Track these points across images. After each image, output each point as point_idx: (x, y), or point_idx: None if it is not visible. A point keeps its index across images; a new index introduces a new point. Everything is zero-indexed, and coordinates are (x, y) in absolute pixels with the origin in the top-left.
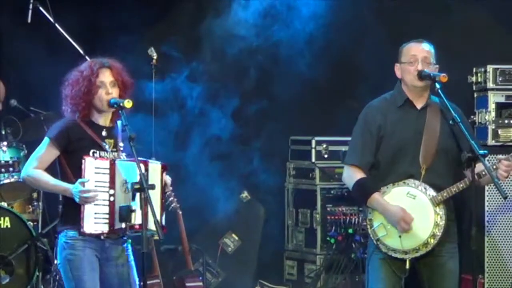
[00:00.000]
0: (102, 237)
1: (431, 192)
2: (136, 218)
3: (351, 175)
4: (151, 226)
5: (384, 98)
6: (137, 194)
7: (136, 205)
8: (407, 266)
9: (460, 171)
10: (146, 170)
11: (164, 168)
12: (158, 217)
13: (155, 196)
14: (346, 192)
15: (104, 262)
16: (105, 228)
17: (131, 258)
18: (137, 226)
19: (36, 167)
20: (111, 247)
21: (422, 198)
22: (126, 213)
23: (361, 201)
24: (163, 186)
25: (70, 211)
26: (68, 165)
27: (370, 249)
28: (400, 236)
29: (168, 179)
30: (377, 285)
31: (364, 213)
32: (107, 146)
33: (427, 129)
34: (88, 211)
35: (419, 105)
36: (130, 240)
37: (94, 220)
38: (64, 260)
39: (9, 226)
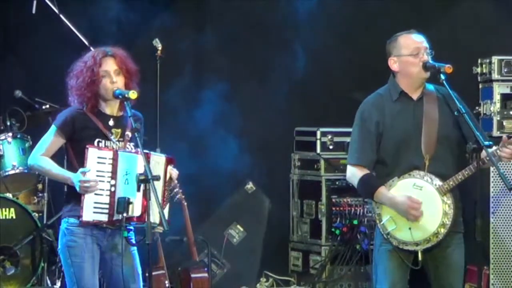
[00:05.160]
0: (104, 225)
1: (437, 181)
2: (135, 211)
3: (355, 173)
4: (155, 218)
5: (378, 93)
6: (142, 186)
7: (135, 196)
8: (420, 258)
9: (463, 158)
10: (148, 162)
11: (169, 161)
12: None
13: (157, 188)
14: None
15: (106, 250)
16: (104, 218)
17: (134, 247)
18: (134, 219)
19: (42, 154)
20: (113, 235)
21: (429, 189)
22: (123, 205)
23: (367, 197)
24: (167, 179)
25: (73, 199)
26: (73, 154)
27: (377, 241)
28: (410, 228)
29: (174, 173)
30: (385, 276)
31: (371, 208)
32: (112, 136)
33: (426, 118)
34: (88, 200)
35: (415, 96)
36: (133, 231)
37: (94, 210)
38: (64, 247)
39: (14, 217)
